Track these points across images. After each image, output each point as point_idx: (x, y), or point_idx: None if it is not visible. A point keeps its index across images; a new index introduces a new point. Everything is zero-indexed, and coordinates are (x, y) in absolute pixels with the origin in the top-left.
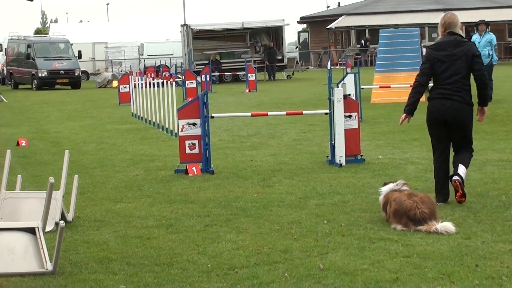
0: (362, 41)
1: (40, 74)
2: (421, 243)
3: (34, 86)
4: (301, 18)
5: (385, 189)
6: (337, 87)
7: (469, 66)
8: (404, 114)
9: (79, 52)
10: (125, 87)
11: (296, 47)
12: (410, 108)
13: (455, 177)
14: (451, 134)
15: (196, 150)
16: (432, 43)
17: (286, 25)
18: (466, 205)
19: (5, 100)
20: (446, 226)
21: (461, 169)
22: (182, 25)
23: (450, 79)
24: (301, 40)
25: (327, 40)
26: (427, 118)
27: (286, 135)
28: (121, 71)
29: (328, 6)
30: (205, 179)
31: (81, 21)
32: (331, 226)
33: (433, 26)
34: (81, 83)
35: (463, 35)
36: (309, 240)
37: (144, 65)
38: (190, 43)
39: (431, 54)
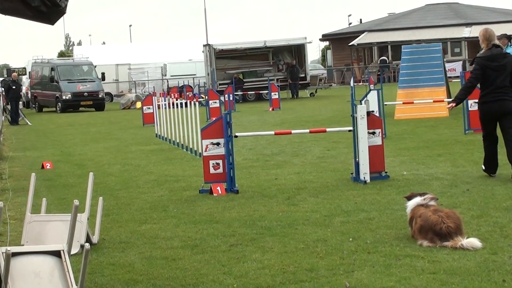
0: (385, 58)
1: (64, 97)
2: (448, 259)
3: (58, 109)
4: (323, 35)
5: (411, 204)
6: (360, 103)
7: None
8: (453, 103)
9: (103, 74)
10: (149, 108)
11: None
12: (459, 102)
13: None
14: (502, 124)
15: (221, 170)
16: (481, 53)
17: (308, 43)
18: (492, 219)
19: (29, 124)
20: (472, 242)
21: None
22: (204, 45)
23: (501, 84)
24: (328, 58)
25: (349, 57)
26: (484, 114)
27: (310, 153)
28: (144, 92)
29: (350, 23)
30: (230, 198)
31: (104, 43)
32: (356, 243)
33: (455, 41)
34: (105, 105)
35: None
36: (334, 258)
37: (167, 85)
38: (212, 62)
39: (484, 63)
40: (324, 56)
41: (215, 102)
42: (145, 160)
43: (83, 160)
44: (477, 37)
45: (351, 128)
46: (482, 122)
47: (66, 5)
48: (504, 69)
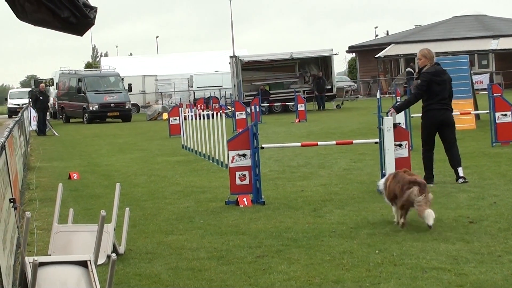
0: (411, 69)
1: (91, 108)
2: (474, 272)
3: (85, 119)
4: (349, 47)
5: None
6: (387, 116)
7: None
8: (393, 110)
9: (129, 85)
10: (175, 119)
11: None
12: (399, 110)
13: (462, 180)
14: (443, 134)
15: (247, 181)
16: (426, 68)
17: (335, 54)
18: None
19: (56, 134)
20: (430, 214)
21: (461, 172)
22: (231, 57)
23: (444, 97)
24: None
25: (376, 69)
26: (429, 123)
27: (337, 165)
28: (171, 103)
29: (377, 35)
30: (256, 210)
31: (131, 54)
32: (382, 255)
33: (482, 53)
34: (131, 116)
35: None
36: (361, 270)
37: (194, 97)
38: (239, 74)
39: (431, 78)
40: (351, 68)
41: (242, 114)
42: (172, 171)
43: (109, 171)
44: (506, 49)
45: (377, 140)
46: (427, 129)
47: (95, 17)
48: (445, 83)
